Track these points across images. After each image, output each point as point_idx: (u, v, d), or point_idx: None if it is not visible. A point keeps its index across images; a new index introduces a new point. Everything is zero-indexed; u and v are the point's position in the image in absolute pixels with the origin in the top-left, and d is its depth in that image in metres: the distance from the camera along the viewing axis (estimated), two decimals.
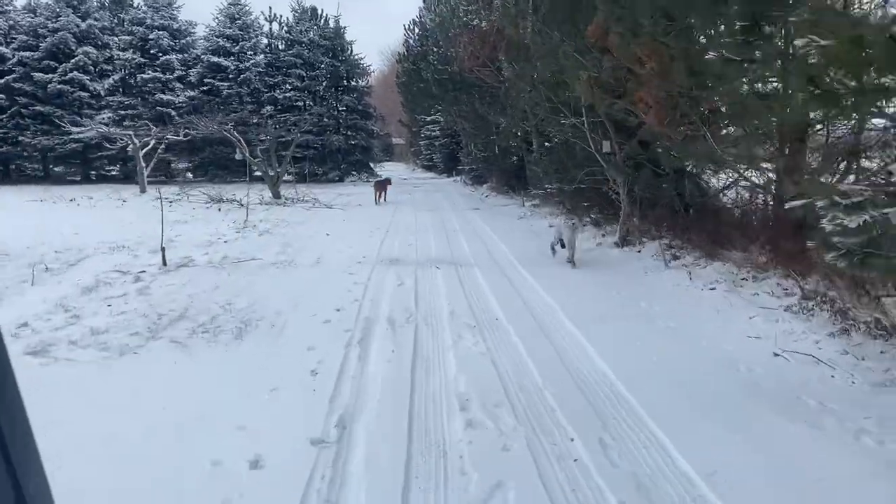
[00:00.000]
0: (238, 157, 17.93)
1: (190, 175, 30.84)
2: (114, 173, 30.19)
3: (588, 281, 7.31)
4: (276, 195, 17.40)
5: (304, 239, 10.77)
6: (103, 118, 26.68)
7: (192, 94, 29.35)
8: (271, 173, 18.50)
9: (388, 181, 19.88)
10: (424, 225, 13.12)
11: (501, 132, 19.16)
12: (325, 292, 6.49)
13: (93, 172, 29.26)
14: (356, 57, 30.43)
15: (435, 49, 21.30)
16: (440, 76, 20.24)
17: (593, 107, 9.17)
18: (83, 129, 21.13)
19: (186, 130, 20.34)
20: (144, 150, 20.63)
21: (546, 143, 16.44)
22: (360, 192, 22.82)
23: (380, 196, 18.79)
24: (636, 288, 6.86)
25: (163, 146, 22.23)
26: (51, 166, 29.67)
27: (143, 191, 19.56)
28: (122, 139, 20.43)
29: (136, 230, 11.11)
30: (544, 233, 10.76)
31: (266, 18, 30.46)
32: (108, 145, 21.51)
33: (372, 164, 31.86)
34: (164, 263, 7.60)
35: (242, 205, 15.73)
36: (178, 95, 29.04)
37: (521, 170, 19.16)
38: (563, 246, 8.58)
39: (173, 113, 27.64)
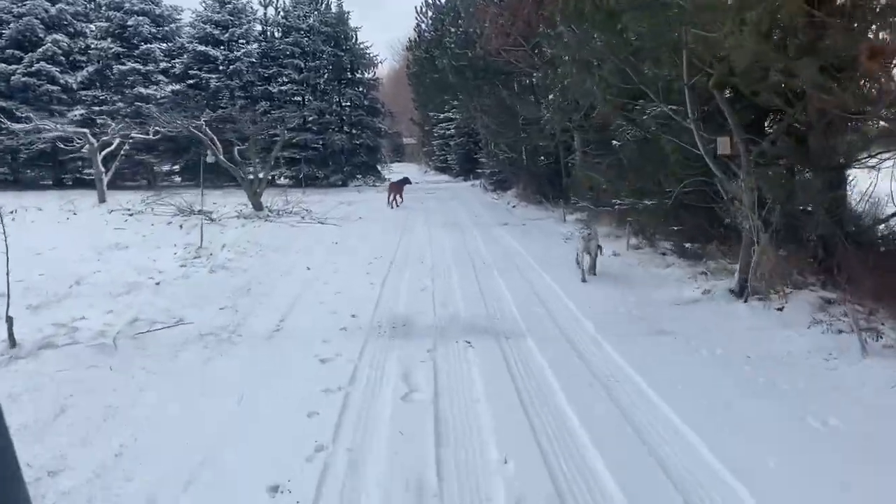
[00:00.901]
0: (210, 159, 14.99)
1: (178, 178, 28.08)
2: (93, 177, 27.47)
3: (726, 378, 4.20)
4: (258, 206, 14.44)
5: (274, 278, 7.79)
6: (75, 115, 23.98)
7: (176, 87, 26.62)
8: (251, 178, 15.51)
9: (405, 181, 18.22)
10: (442, 251, 10.09)
11: (533, 129, 16.08)
12: (265, 429, 3.46)
13: (67, 176, 26.51)
14: (362, 46, 27.55)
15: (452, 30, 18.25)
16: (458, 62, 17.20)
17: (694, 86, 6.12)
18: (26, 125, 18.29)
19: (157, 128, 17.45)
20: (106, 151, 17.78)
21: (588, 143, 13.38)
22: (364, 200, 19.88)
23: (393, 199, 17.43)
24: (828, 408, 3.69)
25: (126, 146, 19.33)
26: (21, 169, 27.01)
27: (101, 200, 16.70)
28: (79, 139, 17.59)
29: (51, 261, 8.20)
30: (623, 274, 7.68)
31: (260, 2, 27.71)
32: (63, 146, 18.64)
33: (379, 167, 28.91)
34: (13, 345, 4.60)
35: (213, 219, 12.81)
36: (160, 89, 26.31)
37: (557, 175, 16.09)
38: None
39: (154, 109, 24.90)
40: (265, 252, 9.60)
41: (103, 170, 17.43)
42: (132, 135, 18.07)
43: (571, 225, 12.31)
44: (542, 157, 16.98)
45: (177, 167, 27.75)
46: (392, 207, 17.13)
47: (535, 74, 14.89)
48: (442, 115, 36.73)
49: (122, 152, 18.69)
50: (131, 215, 14.16)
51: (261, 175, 15.72)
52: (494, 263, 8.79)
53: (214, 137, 14.40)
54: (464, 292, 6.92)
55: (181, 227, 12.07)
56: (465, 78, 17.37)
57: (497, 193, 21.39)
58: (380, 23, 62.95)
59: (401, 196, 17.56)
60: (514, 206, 17.10)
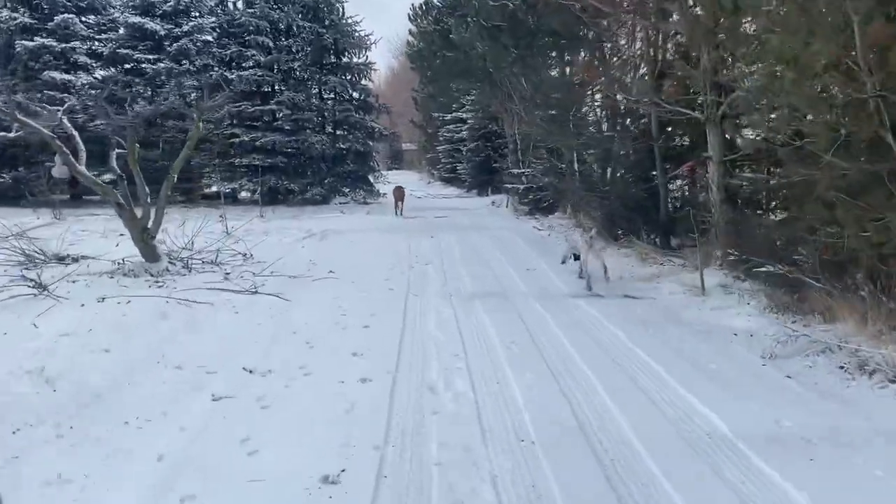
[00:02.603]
0: (58, 173, 9.06)
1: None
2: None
3: None
4: (150, 254, 8.32)
5: None
6: None
7: (107, 73, 20.83)
8: (145, 209, 9.40)
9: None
10: (506, 407, 4.17)
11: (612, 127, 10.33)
12: None
13: None
14: (349, 21, 21.81)
15: None
16: (491, 21, 11.41)
17: None
18: None
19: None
20: None
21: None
22: (348, 229, 14.07)
23: (400, 206, 17.98)
24: None
25: None
26: None
27: None
28: None
29: None
30: None
31: None
32: None
33: (372, 178, 23.09)
34: None
35: (43, 288, 6.90)
36: (84, 74, 20.52)
37: (652, 200, 10.38)
38: (575, 259, 8.50)
39: (75, 101, 19.15)
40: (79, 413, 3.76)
41: None
42: None
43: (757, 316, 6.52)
44: (622, 173, 11.19)
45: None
46: (398, 215, 17.59)
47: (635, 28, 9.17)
48: (450, 116, 31.16)
49: None
50: None
51: (151, 198, 9.53)
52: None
53: (76, 136, 8.41)
54: None
55: None
56: (501, 46, 11.60)
57: (536, 219, 15.54)
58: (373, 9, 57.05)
59: (402, 202, 17.93)
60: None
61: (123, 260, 8.47)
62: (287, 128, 20.65)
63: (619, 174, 11.04)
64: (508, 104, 15.84)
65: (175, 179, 8.80)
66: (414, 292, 7.54)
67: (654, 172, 10.81)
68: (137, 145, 8.31)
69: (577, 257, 8.41)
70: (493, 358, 5.00)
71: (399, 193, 18.20)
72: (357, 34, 21.83)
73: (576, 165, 14.93)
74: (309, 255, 10.28)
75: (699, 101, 8.36)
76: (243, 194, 21.75)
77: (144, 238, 8.31)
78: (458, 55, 16.37)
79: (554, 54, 11.25)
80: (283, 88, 21.17)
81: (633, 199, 10.60)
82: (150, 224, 8.42)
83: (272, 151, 20.28)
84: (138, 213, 8.44)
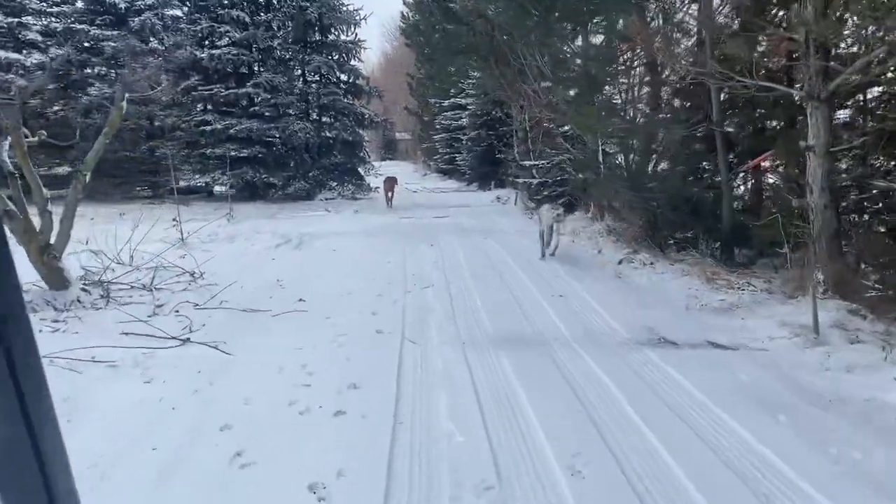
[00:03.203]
0: None
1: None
2: None
3: None
4: (55, 280, 6.13)
5: None
6: None
7: (61, 51, 18.54)
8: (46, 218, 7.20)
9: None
10: None
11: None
12: None
13: None
14: None
15: None
16: None
17: None
18: None
19: None
20: None
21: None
22: (331, 233, 11.94)
23: (391, 196, 17.81)
24: None
25: None
26: None
27: None
28: None
29: None
30: None
31: None
32: None
33: (362, 170, 20.91)
34: None
35: None
36: (38, 53, 18.27)
37: (713, 205, 8.32)
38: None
39: (25, 84, 16.98)
40: None
41: None
42: None
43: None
44: (673, 166, 9.06)
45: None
46: (389, 206, 17.53)
47: None
48: (447, 102, 28.98)
49: None
50: None
51: (65, 205, 7.30)
52: None
53: None
54: None
55: None
56: (518, 7, 9.44)
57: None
58: None
59: (392, 192, 17.79)
60: (623, 263, 9.00)
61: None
62: (266, 114, 18.43)
63: (667, 168, 8.91)
64: (519, 85, 13.67)
65: (88, 178, 6.57)
66: (411, 337, 5.44)
67: (709, 166, 8.74)
68: (26, 132, 6.06)
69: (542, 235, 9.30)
70: (551, 500, 2.91)
71: (390, 184, 17.86)
72: (345, 8, 19.58)
73: (600, 157, 12.84)
74: (277, 273, 8.15)
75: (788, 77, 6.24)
76: (218, 189, 19.56)
77: (46, 258, 6.14)
78: (459, 28, 14.21)
79: (586, 18, 9.07)
80: (261, 69, 18.91)
81: (686, 199, 8.48)
82: (52, 239, 6.26)
83: (249, 140, 18.08)
84: (37, 224, 6.26)
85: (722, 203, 8.23)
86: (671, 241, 8.77)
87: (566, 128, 15.39)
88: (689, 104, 8.67)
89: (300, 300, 6.74)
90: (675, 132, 8.34)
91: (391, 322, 5.92)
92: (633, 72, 9.62)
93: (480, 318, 6.01)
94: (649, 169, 8.90)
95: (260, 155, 18.32)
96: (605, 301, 6.61)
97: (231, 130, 17.79)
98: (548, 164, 14.08)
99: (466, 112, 25.25)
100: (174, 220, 10.30)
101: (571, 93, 9.71)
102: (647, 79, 9.28)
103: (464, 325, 5.81)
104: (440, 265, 8.71)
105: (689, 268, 7.91)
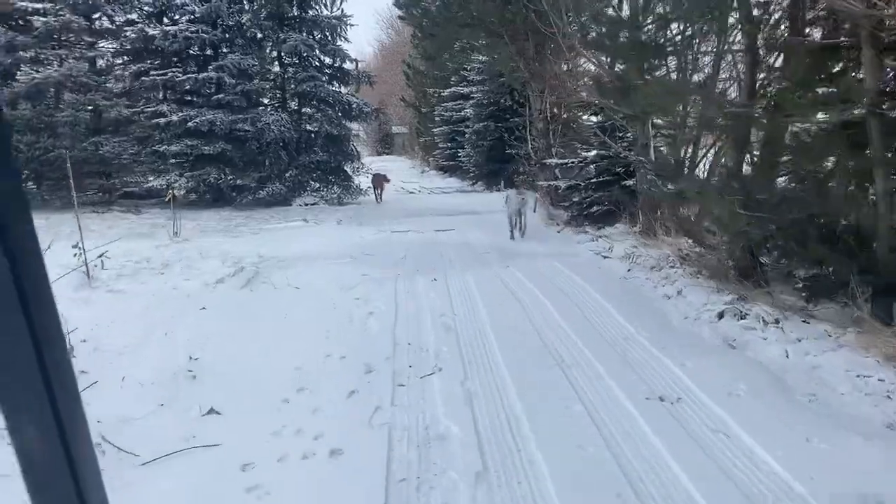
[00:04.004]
0: None
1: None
2: None
3: None
4: None
5: None
6: None
7: None
8: None
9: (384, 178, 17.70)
10: None
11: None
12: None
13: None
14: None
15: None
16: None
17: None
18: None
19: None
20: None
21: None
22: (302, 258, 8.92)
23: (380, 192, 17.62)
24: None
25: None
26: None
27: None
28: None
29: None
30: None
31: None
32: None
33: (350, 169, 18.04)
34: None
35: None
36: None
37: (859, 228, 5.43)
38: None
39: None
40: None
41: None
42: None
43: None
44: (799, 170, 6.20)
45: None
46: (379, 201, 17.39)
47: None
48: (448, 92, 26.16)
49: None
50: None
51: None
52: None
53: None
54: None
55: None
56: None
57: (587, 232, 10.59)
58: None
59: (381, 189, 17.61)
60: (726, 317, 6.07)
61: None
62: (233, 103, 15.54)
63: (791, 174, 6.03)
64: (547, 62, 10.87)
65: None
66: None
67: (853, 168, 5.90)
68: None
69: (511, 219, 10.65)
70: None
71: (378, 182, 17.54)
72: None
73: (652, 152, 10.05)
74: (197, 341, 5.30)
75: None
76: (181, 193, 16.66)
77: None
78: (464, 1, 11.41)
79: None
80: (226, 50, 16.02)
81: (819, 219, 5.65)
82: None
83: (212, 135, 15.19)
84: None
85: (877, 226, 5.41)
86: (797, 284, 5.94)
87: (595, 118, 12.60)
88: (821, 75, 5.83)
89: (210, 411, 3.92)
90: (809, 115, 5.52)
91: (367, 481, 3.09)
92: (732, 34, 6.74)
93: (539, 472, 3.17)
94: (773, 176, 6.02)
95: (226, 152, 15.45)
96: (731, 409, 3.78)
97: (190, 123, 14.91)
98: (580, 162, 11.23)
99: (470, 102, 22.40)
100: (76, 246, 7.39)
101: (634, 65, 6.84)
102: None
103: (508, 495, 2.98)
104: (450, 323, 5.86)
105: (840, 332, 5.09)
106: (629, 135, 11.37)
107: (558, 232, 11.42)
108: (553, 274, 7.96)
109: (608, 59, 8.39)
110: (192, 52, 16.37)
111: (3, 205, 0.62)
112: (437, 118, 28.34)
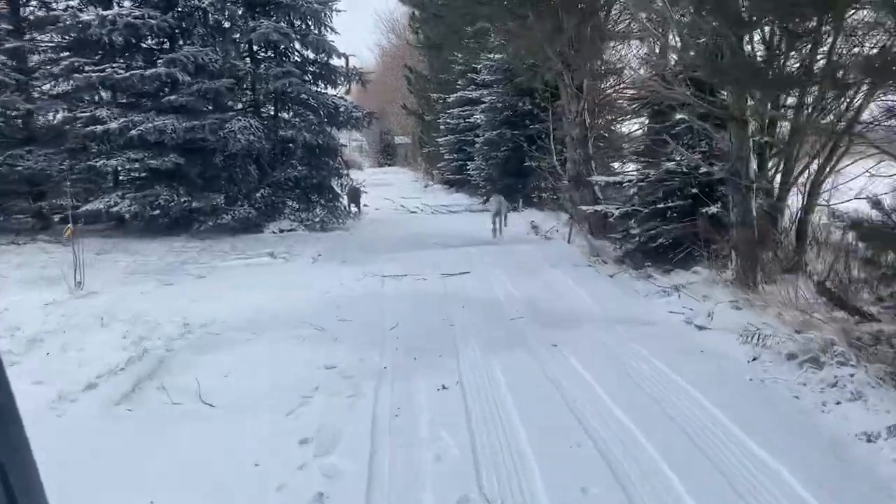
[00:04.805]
0: None
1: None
2: None
3: None
4: None
5: None
6: None
7: None
8: None
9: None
10: None
11: None
12: None
13: None
14: None
15: None
16: None
17: None
18: None
19: None
20: None
21: None
22: (247, 326, 5.76)
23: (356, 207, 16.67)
24: None
25: None
26: None
27: None
28: None
29: None
30: None
31: None
32: None
33: (337, 186, 15.11)
34: None
35: None
36: None
37: None
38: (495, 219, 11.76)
39: None
40: None
41: None
42: None
43: None
44: None
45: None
46: (359, 218, 16.36)
47: None
48: (454, 97, 23.26)
49: None
50: None
51: None
52: None
53: None
54: None
55: None
56: None
57: (661, 282, 7.56)
58: None
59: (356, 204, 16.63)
60: None
61: None
62: (189, 106, 12.63)
63: None
64: (582, 48, 7.98)
65: None
66: None
67: None
68: None
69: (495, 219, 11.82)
70: None
71: (354, 195, 16.63)
72: None
73: (753, 164, 7.15)
74: None
75: None
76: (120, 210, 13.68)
77: None
78: None
79: None
80: (183, 41, 13.15)
81: None
82: None
83: (161, 146, 12.27)
84: None
85: None
86: None
87: (647, 123, 9.71)
88: None
89: None
90: None
91: None
92: None
93: None
94: None
95: (180, 168, 12.53)
96: None
97: (133, 132, 12.01)
98: (641, 180, 8.25)
99: (481, 106, 19.51)
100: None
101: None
102: None
103: None
104: None
105: None
106: (702, 143, 8.45)
107: (611, 276, 8.41)
108: (636, 367, 4.94)
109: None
110: (143, 44, 13.55)
111: None
112: (441, 126, 25.47)
